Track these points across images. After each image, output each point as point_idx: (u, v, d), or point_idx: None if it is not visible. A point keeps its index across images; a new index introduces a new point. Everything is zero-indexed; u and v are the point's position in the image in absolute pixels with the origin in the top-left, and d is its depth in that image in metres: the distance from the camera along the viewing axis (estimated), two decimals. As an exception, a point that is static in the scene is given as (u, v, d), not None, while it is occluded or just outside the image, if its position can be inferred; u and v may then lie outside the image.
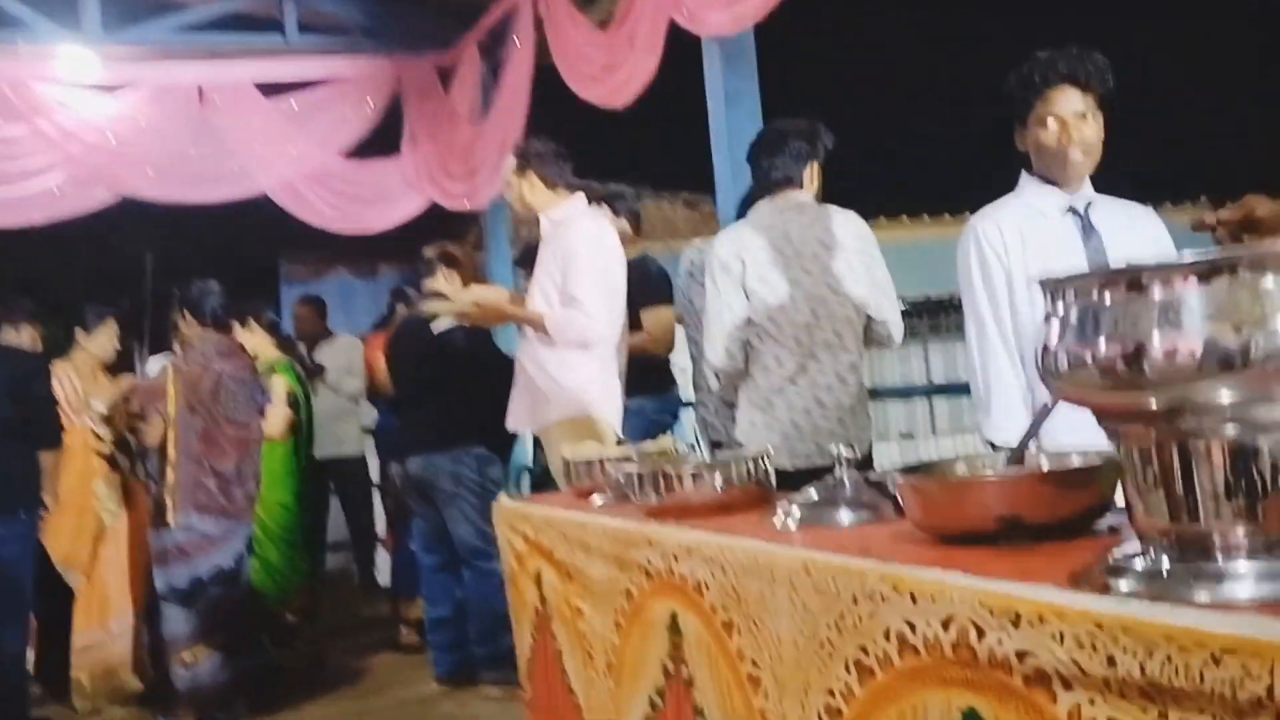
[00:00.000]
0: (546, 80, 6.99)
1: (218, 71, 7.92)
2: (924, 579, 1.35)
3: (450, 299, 4.36)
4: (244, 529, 5.05)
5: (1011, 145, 2.81)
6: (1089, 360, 1.11)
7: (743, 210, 4.10)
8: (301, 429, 5.80)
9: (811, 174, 3.83)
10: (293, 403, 5.65)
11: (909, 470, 1.73)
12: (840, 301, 3.68)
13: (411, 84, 8.38)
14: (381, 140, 8.46)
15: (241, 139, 7.95)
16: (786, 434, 3.63)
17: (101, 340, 5.60)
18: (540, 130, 6.58)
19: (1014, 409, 2.69)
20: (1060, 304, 1.17)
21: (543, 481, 5.44)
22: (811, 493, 1.98)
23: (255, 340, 5.74)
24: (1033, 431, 1.69)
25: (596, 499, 2.87)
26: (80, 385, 5.46)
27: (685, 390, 5.23)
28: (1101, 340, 1.10)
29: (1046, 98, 2.68)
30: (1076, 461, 1.59)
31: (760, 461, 2.38)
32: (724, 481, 2.30)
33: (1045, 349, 1.18)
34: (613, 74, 5.75)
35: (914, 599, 1.35)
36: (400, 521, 6.11)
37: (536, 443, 5.35)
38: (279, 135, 8.06)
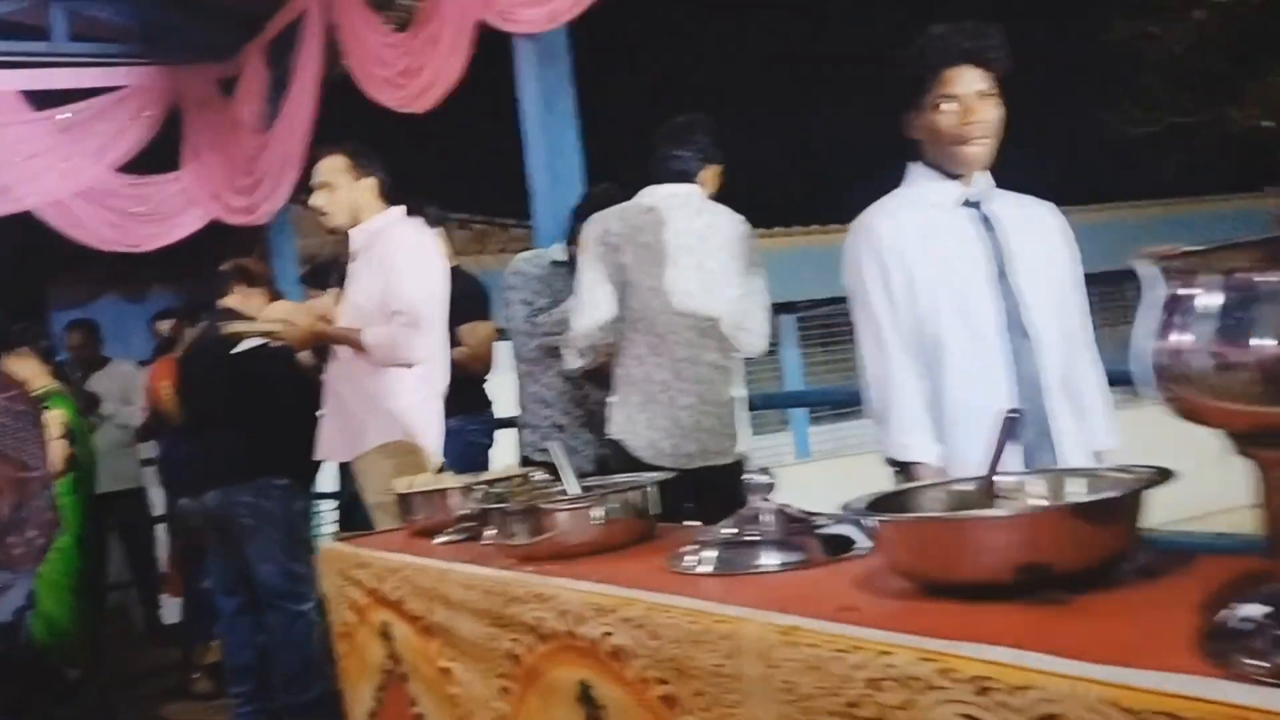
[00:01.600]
0: (341, 90, 6.76)
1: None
2: (999, 659, 1.03)
3: (253, 318, 3.99)
4: (24, 580, 4.56)
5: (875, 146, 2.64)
6: (1242, 363, 0.86)
7: (578, 218, 3.91)
8: (80, 465, 5.30)
9: (710, 176, 3.68)
10: (70, 436, 5.16)
11: (878, 504, 1.49)
12: (713, 301, 3.53)
13: (191, 95, 7.94)
14: (159, 155, 7.98)
15: (3, 152, 7.34)
16: (669, 432, 3.48)
17: None
18: (330, 141, 6.32)
19: (917, 421, 2.50)
20: (1186, 288, 0.91)
21: (350, 513, 5.10)
22: (721, 530, 1.77)
23: (27, 368, 5.22)
24: (999, 451, 1.46)
25: (441, 538, 2.61)
26: None
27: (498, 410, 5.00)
28: (1264, 336, 0.85)
29: (944, 78, 2.44)
30: (1085, 489, 1.36)
31: (644, 490, 2.17)
32: (604, 515, 2.08)
33: (1167, 348, 0.92)
34: (413, 78, 5.47)
35: (984, 689, 1.02)
36: (191, 560, 5.67)
37: (343, 470, 5.01)
38: (46, 148, 7.48)
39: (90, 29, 7.75)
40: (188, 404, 4.87)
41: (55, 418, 5.03)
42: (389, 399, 3.79)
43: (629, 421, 3.54)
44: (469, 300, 4.52)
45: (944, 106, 2.46)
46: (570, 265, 4.17)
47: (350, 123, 5.96)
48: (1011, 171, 2.58)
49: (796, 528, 1.74)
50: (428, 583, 2.26)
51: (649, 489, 2.19)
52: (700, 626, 1.43)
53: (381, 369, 3.77)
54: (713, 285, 3.54)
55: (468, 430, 4.58)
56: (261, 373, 4.38)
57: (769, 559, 1.68)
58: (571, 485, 2.27)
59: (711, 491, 3.27)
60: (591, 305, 3.54)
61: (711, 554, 1.74)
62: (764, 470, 1.83)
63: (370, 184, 3.93)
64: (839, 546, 1.71)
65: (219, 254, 9.57)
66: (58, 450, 4.94)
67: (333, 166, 3.92)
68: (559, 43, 4.88)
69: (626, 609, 1.59)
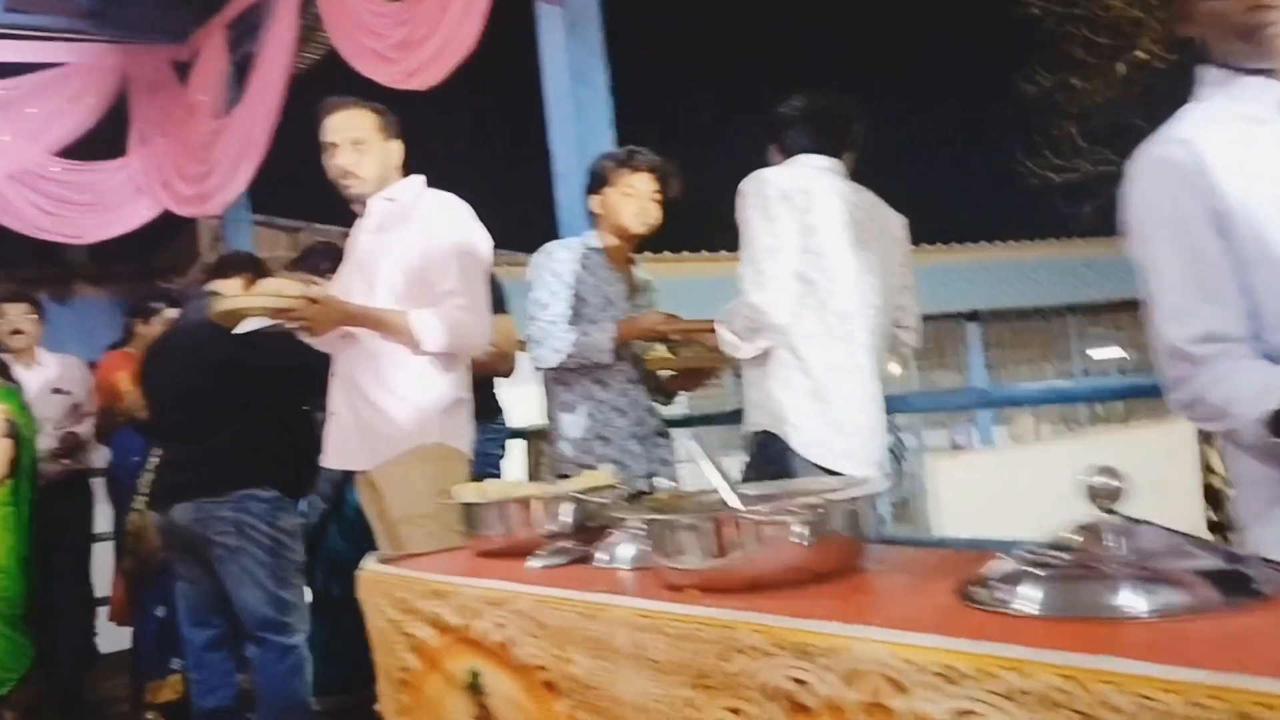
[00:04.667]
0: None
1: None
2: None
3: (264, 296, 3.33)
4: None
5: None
6: None
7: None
8: (24, 471, 4.59)
9: (849, 162, 3.22)
10: (14, 436, 4.47)
11: None
12: (882, 285, 3.11)
13: (142, 76, 7.31)
14: (103, 141, 7.33)
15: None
16: (842, 428, 3.01)
17: None
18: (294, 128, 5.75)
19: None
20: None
21: (320, 534, 4.49)
22: (1040, 554, 1.27)
23: None
24: None
25: (535, 560, 2.06)
26: None
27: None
28: None
29: None
30: None
31: (860, 502, 1.62)
32: (809, 532, 1.53)
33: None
34: (412, 51, 4.88)
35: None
36: (144, 583, 5.00)
37: (335, 485, 4.40)
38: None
39: (29, 1, 7.08)
40: (154, 402, 4.20)
41: (-4, 413, 4.35)
42: (423, 396, 3.22)
43: (795, 413, 3.01)
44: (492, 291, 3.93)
45: None
46: (604, 253, 3.65)
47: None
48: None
49: (1164, 553, 1.23)
50: (559, 621, 1.68)
51: (862, 501, 1.65)
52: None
53: (412, 361, 3.20)
54: (881, 269, 3.11)
55: (481, 439, 4.00)
56: (258, 362, 3.75)
57: (1133, 600, 1.16)
58: (728, 495, 1.72)
59: None
60: (775, 274, 2.97)
61: (1034, 590, 1.22)
62: (1107, 471, 1.30)
63: (399, 148, 3.39)
64: (1233, 585, 1.20)
65: (154, 247, 9.00)
66: (-1, 450, 4.27)
67: (362, 123, 3.35)
68: (590, 8, 4.36)
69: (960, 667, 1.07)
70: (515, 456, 4.54)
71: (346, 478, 3.95)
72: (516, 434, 4.58)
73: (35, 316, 5.44)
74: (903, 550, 1.78)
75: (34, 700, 4.61)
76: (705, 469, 1.78)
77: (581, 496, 2.20)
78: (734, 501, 1.68)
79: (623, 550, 1.90)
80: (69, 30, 7.17)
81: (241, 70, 6.68)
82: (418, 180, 3.41)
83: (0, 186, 6.91)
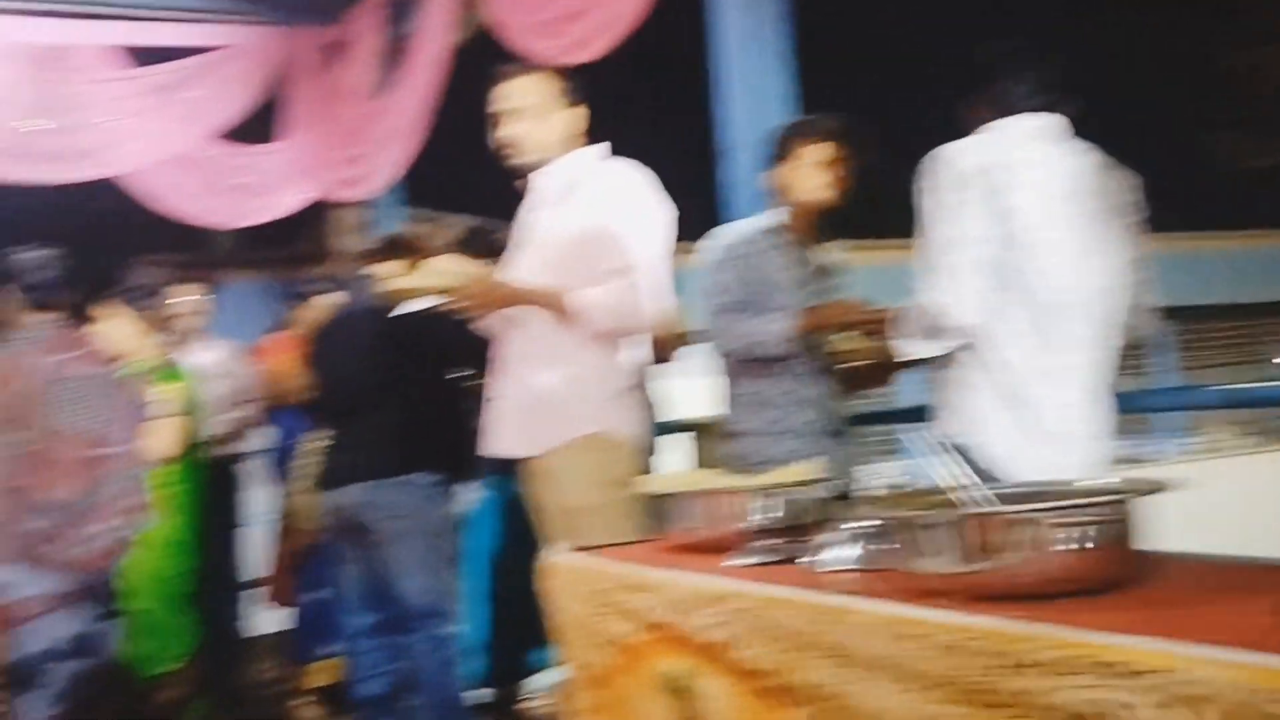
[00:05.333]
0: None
1: (76, 31, 6.65)
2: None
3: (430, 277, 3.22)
4: (99, 581, 3.80)
5: None
6: None
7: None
8: (196, 451, 4.57)
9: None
10: (186, 417, 4.43)
11: None
12: (1100, 267, 2.71)
13: (296, 58, 7.29)
14: (254, 124, 7.33)
15: (98, 112, 6.70)
16: (1036, 436, 2.64)
17: None
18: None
19: None
20: None
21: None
22: None
23: (121, 330, 4.43)
24: None
25: (739, 558, 1.90)
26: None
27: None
28: None
29: None
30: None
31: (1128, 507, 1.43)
32: (1090, 538, 1.34)
33: None
34: (575, 22, 4.73)
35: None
36: (303, 564, 4.96)
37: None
38: (139, 110, 6.83)
39: (190, -18, 7.13)
40: (324, 382, 4.13)
41: (167, 393, 4.31)
42: (594, 382, 3.08)
43: (986, 422, 2.67)
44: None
45: None
46: (783, 233, 3.44)
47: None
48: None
49: None
50: (791, 623, 1.52)
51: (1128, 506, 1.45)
52: None
53: (583, 344, 3.06)
54: (1107, 246, 2.73)
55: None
56: (424, 343, 3.65)
57: None
58: (979, 494, 1.54)
59: None
60: (956, 270, 2.64)
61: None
62: None
63: (579, 115, 3.22)
64: None
65: (302, 234, 9.03)
66: (164, 432, 4.23)
67: (538, 88, 3.18)
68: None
69: None
70: (679, 452, 4.38)
71: (503, 465, 3.82)
72: (683, 428, 4.42)
73: (203, 300, 5.43)
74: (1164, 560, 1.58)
75: (199, 679, 4.60)
76: (944, 465, 1.60)
77: (791, 491, 2.03)
78: (987, 500, 1.50)
79: (843, 550, 1.74)
80: (226, 13, 7.16)
81: (396, 51, 6.60)
82: (593, 150, 3.24)
83: (162, 171, 6.94)
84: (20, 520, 3.61)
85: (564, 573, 2.18)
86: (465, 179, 8.10)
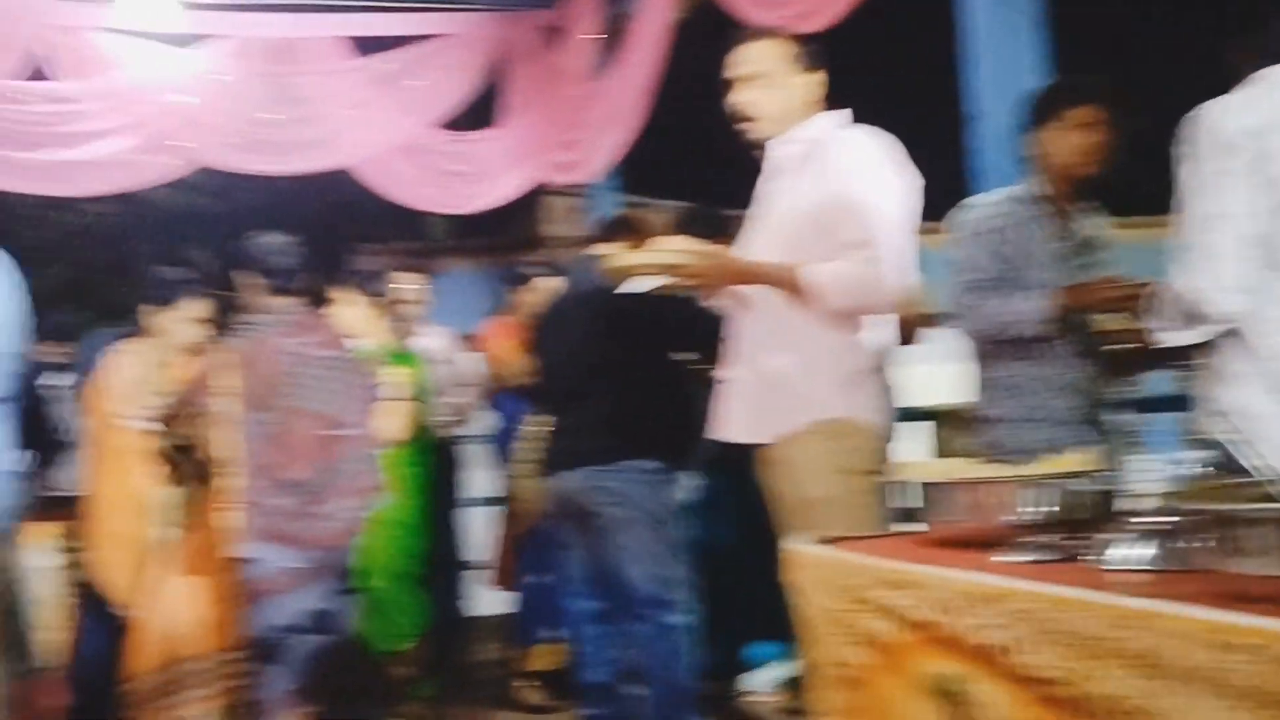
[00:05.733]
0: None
1: (305, 24, 6.80)
2: None
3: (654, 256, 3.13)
4: (337, 559, 3.87)
5: None
6: None
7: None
8: (427, 435, 4.62)
9: None
10: (417, 402, 4.48)
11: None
12: None
13: (514, 43, 7.29)
14: (473, 110, 7.38)
15: (327, 103, 6.84)
16: None
17: (179, 318, 4.28)
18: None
19: None
20: None
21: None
22: None
23: (355, 316, 4.56)
24: None
25: (1008, 554, 1.75)
26: (139, 373, 4.20)
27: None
28: None
29: None
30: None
31: None
32: None
33: None
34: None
35: None
36: (525, 548, 4.98)
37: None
38: (366, 99, 6.95)
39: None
40: (548, 366, 4.11)
41: (401, 375, 4.36)
42: (831, 364, 2.93)
43: (1253, 418, 2.39)
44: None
45: None
46: (1040, 204, 3.24)
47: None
48: None
49: None
50: (1083, 628, 1.37)
51: None
52: None
53: (819, 325, 2.91)
54: None
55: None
56: (646, 326, 3.58)
57: None
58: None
59: None
60: (1218, 249, 2.38)
61: None
62: None
63: (817, 81, 3.07)
64: None
65: (512, 226, 9.10)
66: (396, 415, 4.26)
67: (773, 54, 3.04)
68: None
69: None
70: (919, 441, 4.22)
71: (729, 452, 3.70)
72: (922, 415, 4.26)
73: (424, 287, 5.49)
74: None
75: (429, 658, 4.65)
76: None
77: (1067, 482, 1.86)
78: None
79: (1134, 548, 1.57)
80: (447, 0, 7.24)
81: (615, 31, 6.55)
82: (832, 117, 3.08)
83: (388, 160, 7.05)
84: (267, 498, 3.70)
85: (812, 565, 2.06)
86: (683, 165, 8.01)
